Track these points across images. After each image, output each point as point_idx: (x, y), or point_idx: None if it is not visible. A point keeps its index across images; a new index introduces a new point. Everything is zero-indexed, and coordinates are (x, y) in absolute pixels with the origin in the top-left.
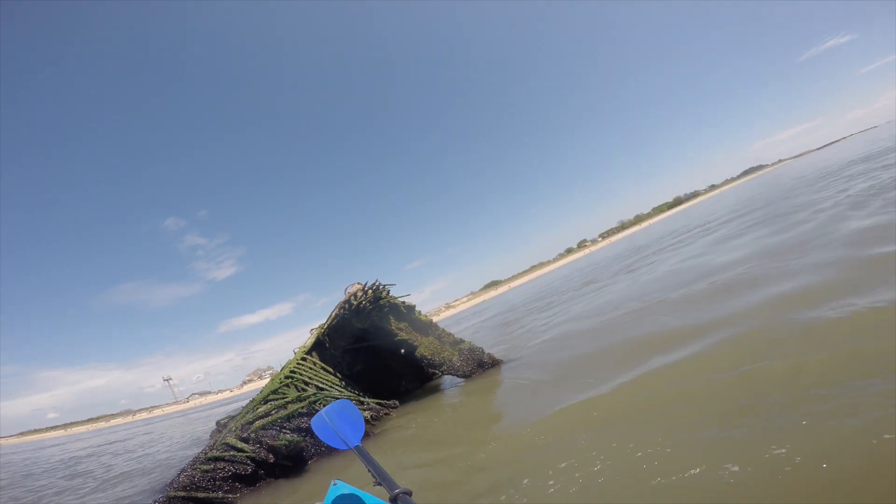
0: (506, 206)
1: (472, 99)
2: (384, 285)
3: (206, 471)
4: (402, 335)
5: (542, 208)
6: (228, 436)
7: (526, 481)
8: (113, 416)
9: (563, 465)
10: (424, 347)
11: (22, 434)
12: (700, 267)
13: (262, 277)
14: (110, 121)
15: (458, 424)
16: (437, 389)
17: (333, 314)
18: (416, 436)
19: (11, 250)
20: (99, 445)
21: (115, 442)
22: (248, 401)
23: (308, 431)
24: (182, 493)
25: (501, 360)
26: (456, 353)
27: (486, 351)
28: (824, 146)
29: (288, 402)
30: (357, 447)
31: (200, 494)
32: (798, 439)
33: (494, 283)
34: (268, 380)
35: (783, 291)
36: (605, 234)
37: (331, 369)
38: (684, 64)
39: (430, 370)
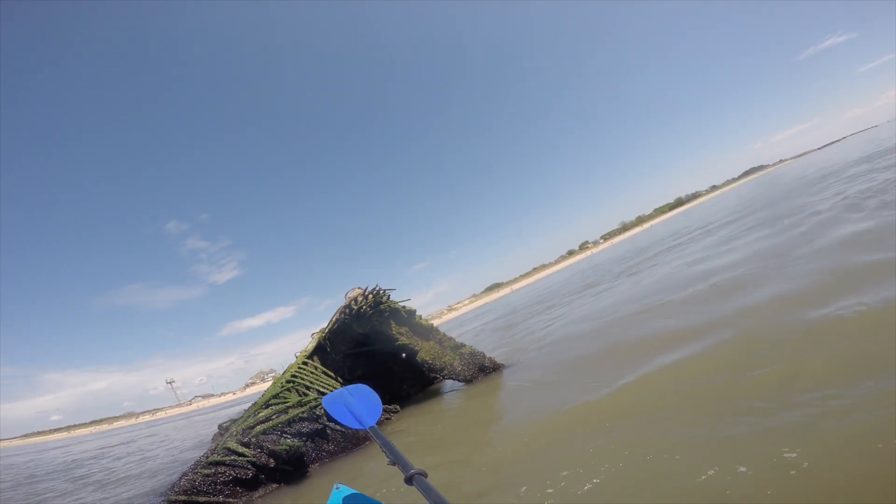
0: (507, 207)
1: (474, 99)
2: (384, 290)
3: (208, 475)
4: (403, 340)
5: (544, 210)
6: (230, 440)
7: (524, 488)
8: (116, 418)
9: (564, 468)
10: (425, 352)
11: (25, 436)
12: (701, 269)
13: (264, 281)
14: (111, 122)
15: (458, 428)
16: (438, 393)
17: (334, 319)
18: (417, 439)
19: (14, 251)
20: (102, 448)
21: (117, 444)
22: (250, 404)
23: (309, 436)
24: (183, 497)
25: (503, 365)
26: (457, 358)
27: (488, 355)
28: (825, 146)
29: (289, 407)
30: (372, 427)
31: (202, 499)
32: (802, 440)
33: (496, 286)
34: (270, 382)
35: (783, 292)
36: (607, 236)
37: (332, 373)
38: (684, 63)
39: (431, 375)
